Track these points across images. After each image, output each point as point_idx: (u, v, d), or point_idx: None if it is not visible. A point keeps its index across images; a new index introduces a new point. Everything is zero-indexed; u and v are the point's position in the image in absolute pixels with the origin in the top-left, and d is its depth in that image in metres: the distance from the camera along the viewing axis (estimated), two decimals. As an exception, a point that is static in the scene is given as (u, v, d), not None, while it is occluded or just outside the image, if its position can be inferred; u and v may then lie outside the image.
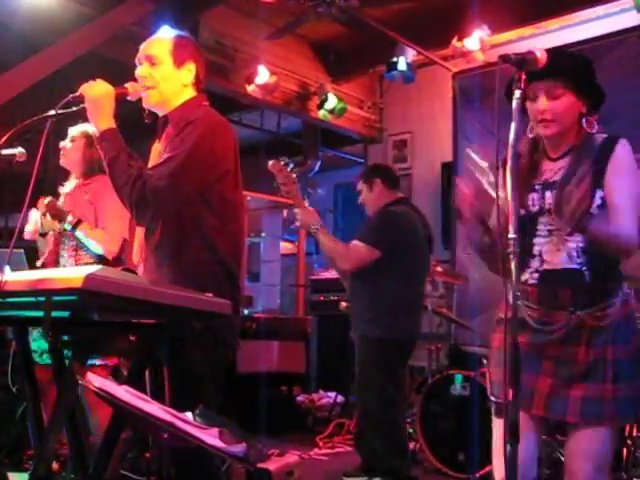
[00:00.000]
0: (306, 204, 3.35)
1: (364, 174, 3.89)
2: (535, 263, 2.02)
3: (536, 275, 2.01)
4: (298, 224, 3.39)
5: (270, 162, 3.21)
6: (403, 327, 3.59)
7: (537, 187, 2.04)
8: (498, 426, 1.99)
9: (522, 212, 1.99)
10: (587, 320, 1.94)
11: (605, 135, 2.03)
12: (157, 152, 2.21)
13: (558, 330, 1.96)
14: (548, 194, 2.01)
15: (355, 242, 3.53)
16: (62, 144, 3.27)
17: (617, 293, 1.97)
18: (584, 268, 1.96)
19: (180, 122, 2.13)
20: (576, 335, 1.95)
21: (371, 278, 3.53)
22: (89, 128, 3.17)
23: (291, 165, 3.28)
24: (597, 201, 1.94)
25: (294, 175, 3.27)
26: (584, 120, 2.02)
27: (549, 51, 1.76)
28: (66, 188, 3.31)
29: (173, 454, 2.00)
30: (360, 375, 3.62)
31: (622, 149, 1.98)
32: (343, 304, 3.99)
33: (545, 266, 2.01)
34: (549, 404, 1.94)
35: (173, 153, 2.04)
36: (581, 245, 1.96)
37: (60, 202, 3.21)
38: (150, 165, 2.21)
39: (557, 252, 1.99)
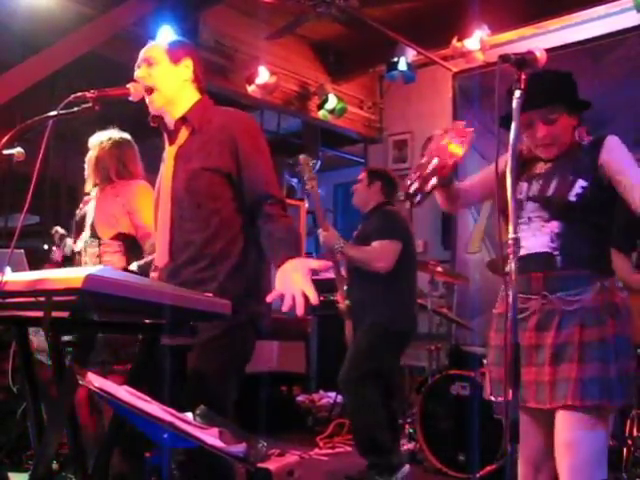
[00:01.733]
0: (319, 196, 3.74)
1: (371, 170, 4.14)
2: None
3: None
4: (321, 243, 3.81)
5: (301, 156, 3.62)
6: (413, 318, 3.85)
7: (525, 178, 2.10)
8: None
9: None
10: (558, 304, 1.97)
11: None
12: (171, 155, 2.23)
13: (532, 316, 2.00)
14: (534, 183, 2.08)
15: (377, 242, 3.70)
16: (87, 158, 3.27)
17: (592, 281, 1.96)
18: (556, 252, 1.99)
19: (205, 123, 2.18)
20: (549, 320, 1.97)
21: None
22: (111, 135, 3.21)
23: (316, 165, 3.66)
24: (577, 189, 1.98)
25: (315, 175, 3.71)
26: (576, 132, 2.09)
27: (530, 77, 1.77)
28: (92, 194, 3.29)
29: (188, 454, 2.01)
30: (364, 360, 3.66)
31: (613, 138, 2.03)
32: (342, 305, 3.92)
33: (521, 252, 2.00)
34: (536, 394, 1.95)
35: (263, 168, 2.16)
36: (556, 231, 2.00)
37: (89, 208, 3.21)
38: (164, 167, 2.25)
39: (532, 237, 2.04)
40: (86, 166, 3.24)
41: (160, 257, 2.21)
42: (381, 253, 3.69)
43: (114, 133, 3.24)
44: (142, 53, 2.25)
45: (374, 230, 3.77)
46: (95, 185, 3.24)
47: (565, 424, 1.91)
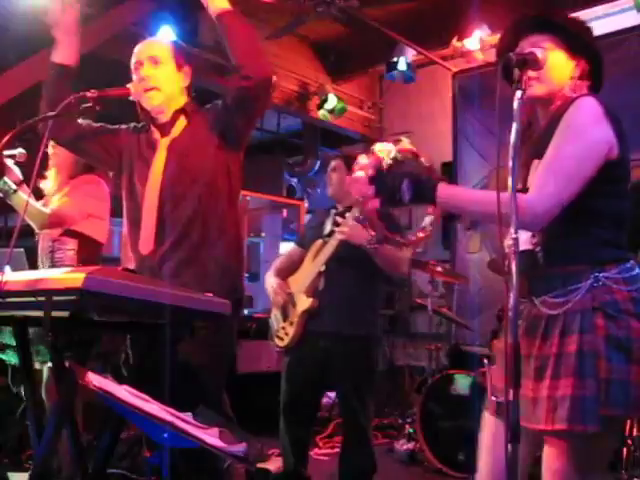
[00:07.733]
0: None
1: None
2: None
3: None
4: (344, 237, 2.92)
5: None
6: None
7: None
8: (487, 424, 1.93)
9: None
10: (543, 309, 1.69)
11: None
12: (164, 146, 2.29)
13: (523, 322, 1.72)
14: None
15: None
16: (50, 149, 3.17)
17: (584, 277, 1.64)
18: (538, 249, 1.71)
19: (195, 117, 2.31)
20: (535, 327, 1.70)
21: (370, 274, 3.09)
22: None
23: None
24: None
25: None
26: (571, 82, 1.77)
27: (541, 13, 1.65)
28: (47, 185, 3.26)
29: (179, 453, 2.01)
30: (362, 380, 3.09)
31: (575, 108, 1.68)
32: (310, 302, 3.13)
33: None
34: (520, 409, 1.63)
35: None
36: None
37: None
38: (154, 158, 2.31)
39: (522, 233, 1.67)
40: (55, 155, 3.19)
41: (144, 244, 2.23)
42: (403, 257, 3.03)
43: None
44: (144, 50, 2.27)
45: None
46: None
47: (546, 449, 1.67)
